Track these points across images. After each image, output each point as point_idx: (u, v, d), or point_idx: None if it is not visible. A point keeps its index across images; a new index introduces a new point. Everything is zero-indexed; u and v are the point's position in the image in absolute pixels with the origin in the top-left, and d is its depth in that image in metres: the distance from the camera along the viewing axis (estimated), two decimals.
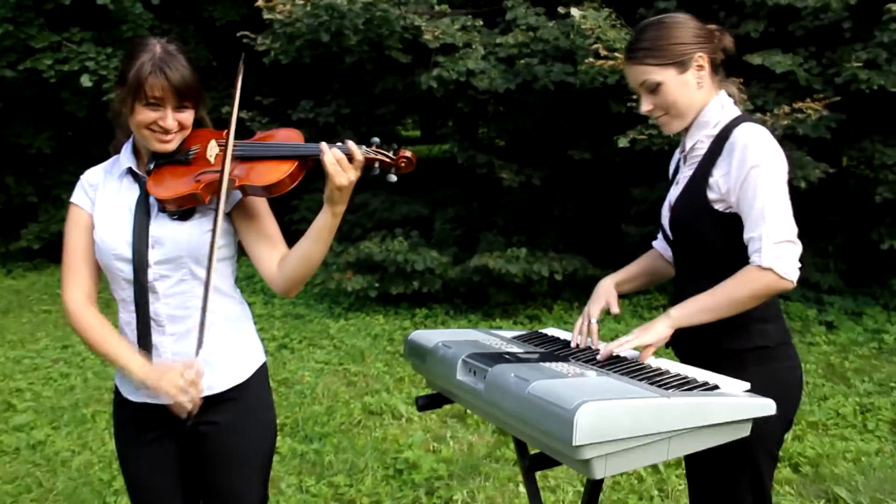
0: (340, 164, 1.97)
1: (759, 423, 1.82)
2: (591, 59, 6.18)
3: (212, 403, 2.12)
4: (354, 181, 1.99)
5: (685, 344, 2.16)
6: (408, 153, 2.07)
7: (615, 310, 2.29)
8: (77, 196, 2.18)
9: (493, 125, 8.13)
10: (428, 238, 7.83)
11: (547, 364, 1.93)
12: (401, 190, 8.06)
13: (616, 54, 5.98)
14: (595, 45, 6.17)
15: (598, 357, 2.04)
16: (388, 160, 2.05)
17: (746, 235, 2.01)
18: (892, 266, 6.74)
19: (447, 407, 2.43)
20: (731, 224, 2.05)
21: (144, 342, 2.10)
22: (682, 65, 2.08)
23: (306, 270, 2.10)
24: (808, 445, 4.21)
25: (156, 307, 2.10)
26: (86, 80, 9.11)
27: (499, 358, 1.96)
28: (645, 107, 2.14)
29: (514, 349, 2.14)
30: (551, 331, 2.47)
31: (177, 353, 2.09)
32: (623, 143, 6.16)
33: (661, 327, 2.02)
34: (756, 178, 1.98)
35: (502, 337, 2.32)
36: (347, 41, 7.26)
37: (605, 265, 7.17)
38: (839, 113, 5.95)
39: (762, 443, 2.03)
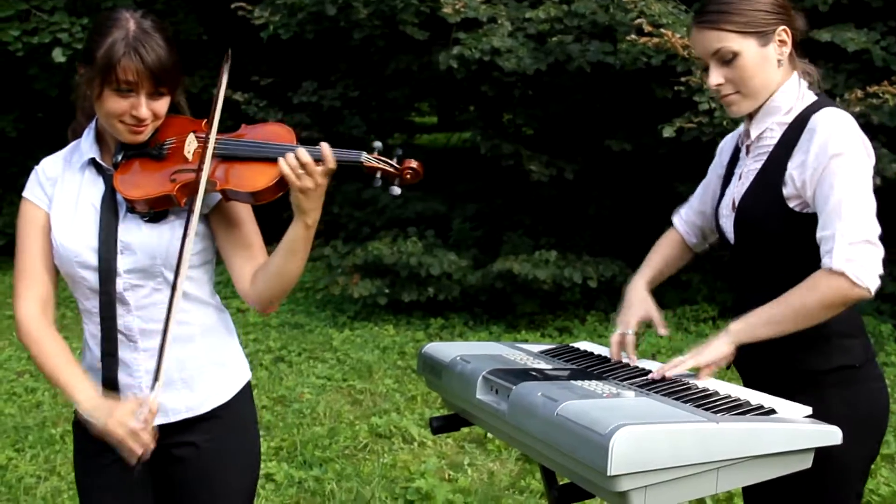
0: (306, 167, 1.95)
1: (843, 454, 1.81)
2: (633, 37, 6.18)
3: (190, 424, 2.12)
4: (322, 185, 1.98)
5: (752, 364, 2.12)
6: (413, 163, 2.08)
7: (662, 330, 2.28)
8: (31, 191, 2.14)
9: (521, 111, 8.13)
10: (445, 239, 7.84)
11: (579, 382, 1.93)
12: (414, 185, 8.07)
13: (662, 31, 5.97)
14: (638, 21, 6.16)
15: (651, 377, 2.02)
16: (391, 170, 2.06)
17: (819, 234, 1.96)
18: None
19: (465, 430, 2.43)
20: (809, 226, 2.01)
21: (111, 360, 2.09)
22: (764, 36, 2.05)
23: (282, 287, 2.10)
24: (881, 482, 4.18)
25: (126, 320, 2.08)
26: (58, 55, 9.09)
27: (524, 375, 1.97)
28: (714, 79, 2.09)
29: (542, 365, 2.14)
30: (584, 345, 2.47)
31: (150, 371, 2.05)
32: (668, 132, 6.15)
33: (720, 345, 1.99)
34: (835, 169, 1.94)
35: (528, 351, 2.33)
36: (356, 14, 7.29)
37: None
38: None
39: (844, 476, 2.02)
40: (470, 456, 4.70)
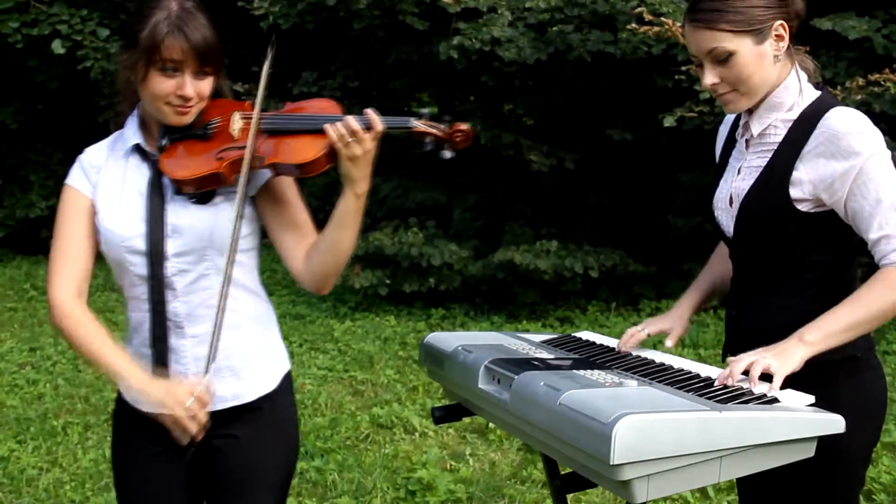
0: (356, 134, 1.95)
1: (845, 441, 1.81)
2: (633, 26, 6.17)
3: (235, 414, 2.12)
4: (370, 151, 1.98)
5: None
6: (463, 126, 2.07)
7: (669, 342, 2.27)
8: (75, 178, 2.13)
9: (521, 101, 8.13)
10: (446, 229, 7.84)
11: (581, 372, 1.93)
12: (415, 174, 8.08)
13: (663, 19, 5.96)
14: (639, 10, 6.16)
15: (721, 380, 1.92)
16: (441, 134, 2.06)
17: (876, 235, 1.94)
18: None
19: (466, 420, 2.44)
20: (820, 225, 2.00)
21: (161, 345, 2.08)
22: (759, 33, 2.00)
23: (336, 262, 2.09)
24: (883, 470, 4.18)
25: (174, 305, 2.07)
26: (58, 47, 9.08)
27: (526, 364, 1.96)
28: (709, 80, 2.05)
29: (544, 355, 2.14)
30: (586, 334, 2.47)
31: (198, 358, 2.06)
32: (669, 122, 6.14)
33: (800, 354, 1.91)
34: (868, 173, 1.93)
35: (530, 341, 2.33)
36: (356, 4, 7.28)
37: (648, 261, 7.19)
38: None
39: (849, 462, 2.02)
40: (471, 446, 4.70)
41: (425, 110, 2.08)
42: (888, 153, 1.96)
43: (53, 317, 2.09)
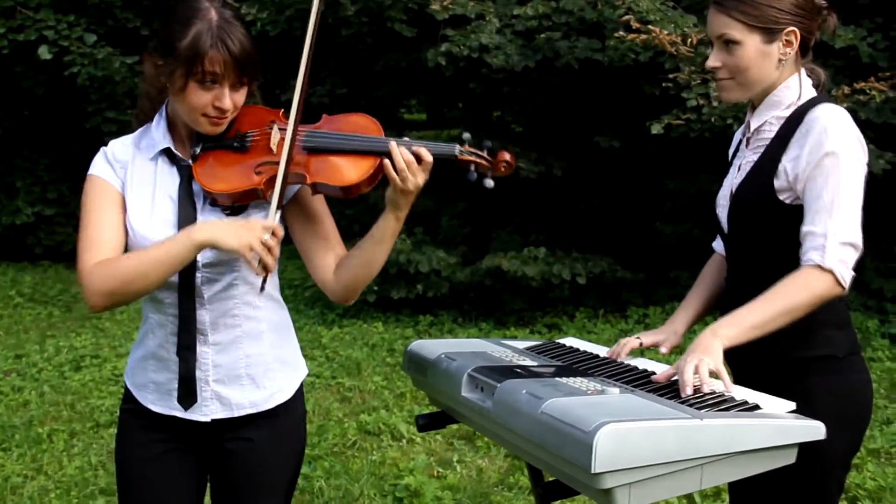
0: (410, 168, 1.96)
1: (825, 444, 1.82)
2: (621, 33, 6.19)
3: (247, 419, 2.13)
4: (421, 186, 1.99)
5: (737, 351, 2.13)
6: (507, 156, 2.06)
7: (664, 349, 2.28)
8: (101, 169, 2.08)
9: (509, 108, 8.15)
10: (434, 236, 7.84)
11: (563, 379, 1.93)
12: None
13: (650, 27, 5.98)
14: (626, 17, 6.18)
15: (684, 391, 1.90)
16: (485, 163, 2.04)
17: (806, 228, 1.98)
18: None
19: (454, 427, 2.44)
20: (797, 218, 2.03)
21: (186, 353, 2.07)
22: (770, 32, 2.07)
23: (368, 275, 2.11)
24: (867, 476, 4.19)
25: (199, 313, 2.07)
26: (44, 53, 9.07)
27: (509, 372, 1.96)
28: (712, 61, 2.14)
29: (527, 362, 2.14)
30: (570, 341, 2.47)
31: (218, 366, 2.08)
32: (657, 129, 6.16)
33: (717, 349, 1.93)
34: (829, 167, 1.97)
35: (514, 348, 2.33)
36: (344, 11, 7.29)
37: (636, 268, 7.19)
38: None
39: (829, 467, 2.03)
40: (459, 453, 4.70)
41: (466, 135, 2.05)
42: (858, 160, 2.00)
43: (91, 289, 1.97)
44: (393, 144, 1.97)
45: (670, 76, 6.01)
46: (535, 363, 2.13)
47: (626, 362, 2.21)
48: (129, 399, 2.20)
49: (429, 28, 7.43)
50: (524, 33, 7.00)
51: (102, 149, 2.12)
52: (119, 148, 2.11)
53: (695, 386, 1.88)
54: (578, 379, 1.95)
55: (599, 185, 8.09)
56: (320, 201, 2.16)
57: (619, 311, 7.34)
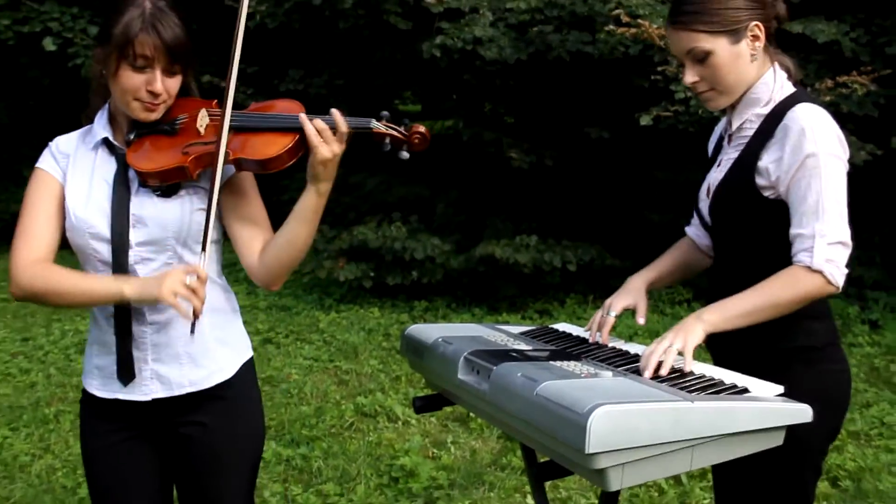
0: (322, 134, 1.98)
1: (802, 431, 1.82)
2: (611, 27, 6.18)
3: (196, 402, 2.14)
4: (339, 154, 2.00)
5: (721, 340, 2.14)
6: (421, 128, 2.10)
7: (641, 319, 2.27)
8: (45, 162, 2.14)
9: (502, 99, 8.13)
10: (429, 223, 7.83)
11: (558, 363, 1.93)
12: (399, 170, 8.06)
13: (640, 21, 5.97)
14: (616, 11, 6.17)
15: (645, 371, 1.92)
16: (399, 136, 2.08)
17: (794, 231, 1.99)
18: None
19: (448, 409, 2.44)
20: (780, 212, 2.03)
21: (122, 331, 2.09)
22: (735, 33, 2.05)
23: (291, 258, 2.10)
24: (848, 457, 4.22)
25: None
26: (48, 44, 9.05)
27: (504, 356, 1.96)
28: (689, 78, 2.11)
29: (522, 346, 2.14)
30: (563, 326, 2.48)
31: (156, 345, 2.09)
32: (646, 120, 6.16)
33: (697, 333, 1.96)
34: (811, 169, 1.96)
35: (509, 333, 2.33)
36: (341, 4, 7.25)
37: (625, 255, 7.19)
38: (889, 88, 5.93)
39: (806, 453, 2.04)
40: (453, 434, 4.71)
41: (385, 112, 2.10)
42: (839, 158, 2.00)
43: (17, 281, 2.05)
44: (303, 117, 2.01)
45: (659, 69, 5.99)
46: (529, 347, 2.14)
47: (617, 347, 2.21)
48: (84, 391, 2.22)
49: (424, 21, 7.40)
50: (517, 26, 6.97)
51: (49, 143, 2.18)
52: (63, 142, 2.17)
53: (656, 368, 1.90)
54: (572, 363, 1.95)
55: (589, 175, 8.08)
56: (250, 183, 2.19)
57: (608, 297, 7.32)
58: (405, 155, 2.09)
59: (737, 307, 1.98)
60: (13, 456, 4.60)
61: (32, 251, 2.07)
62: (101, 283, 2.02)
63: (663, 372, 1.89)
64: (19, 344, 6.69)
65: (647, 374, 1.89)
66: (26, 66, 9.80)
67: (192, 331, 2.02)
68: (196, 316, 1.97)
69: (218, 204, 2.13)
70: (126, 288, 1.98)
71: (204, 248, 2.04)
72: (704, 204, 2.24)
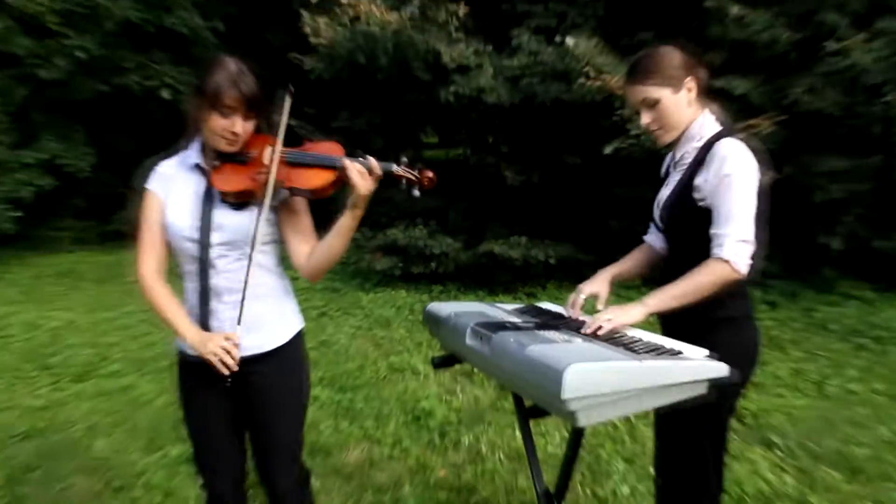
0: (363, 176, 1.99)
1: (724, 382, 1.82)
2: (582, 80, 6.15)
3: (260, 358, 2.14)
4: (372, 190, 2.01)
5: (667, 314, 2.14)
6: (430, 174, 2.09)
7: (600, 306, 2.25)
8: (152, 183, 2.15)
9: (500, 133, 8.09)
10: (444, 227, 7.81)
11: (541, 332, 1.94)
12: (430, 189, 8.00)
13: (603, 76, 5.94)
14: (586, 69, 6.14)
15: (584, 331, 1.98)
16: (413, 178, 2.07)
17: (712, 231, 2.00)
18: (823, 257, 6.70)
19: (458, 366, 2.44)
20: (710, 218, 2.04)
21: (205, 308, 2.11)
22: (676, 86, 2.08)
23: (329, 262, 2.11)
24: (750, 402, 4.22)
25: (215, 280, 2.09)
26: (164, 93, 9.15)
27: (501, 326, 1.97)
28: (645, 120, 2.12)
29: (514, 319, 2.14)
30: (545, 305, 2.47)
31: (231, 318, 2.08)
32: (608, 150, 6.12)
33: (635, 313, 1.99)
34: (727, 185, 1.98)
35: (504, 309, 2.33)
36: (379, 62, 7.24)
37: (592, 251, 7.17)
38: (786, 128, 5.90)
39: (723, 397, 2.03)
40: (461, 385, 4.71)
41: (404, 158, 2.08)
42: (751, 178, 2.00)
43: (141, 288, 2.14)
44: (346, 161, 2.01)
45: (618, 112, 5.97)
46: (520, 320, 2.13)
47: (586, 320, 2.20)
48: (179, 352, 2.24)
49: (441, 74, 7.37)
50: (512, 79, 6.94)
51: (155, 167, 2.19)
52: (166, 166, 2.18)
53: (595, 328, 1.96)
54: (552, 332, 1.95)
55: (566, 190, 8.04)
56: (301, 204, 2.18)
57: (579, 283, 7.29)
58: (417, 193, 2.07)
59: (671, 292, 1.99)
60: (140, 394, 4.65)
61: (148, 264, 2.13)
62: (177, 321, 2.09)
63: (600, 334, 1.94)
64: (144, 314, 6.69)
65: (588, 331, 1.95)
66: (151, 110, 9.95)
67: (228, 382, 2.03)
68: (229, 369, 1.99)
69: (276, 218, 2.15)
70: (188, 335, 2.06)
71: (252, 248, 2.05)
72: (657, 213, 2.25)
